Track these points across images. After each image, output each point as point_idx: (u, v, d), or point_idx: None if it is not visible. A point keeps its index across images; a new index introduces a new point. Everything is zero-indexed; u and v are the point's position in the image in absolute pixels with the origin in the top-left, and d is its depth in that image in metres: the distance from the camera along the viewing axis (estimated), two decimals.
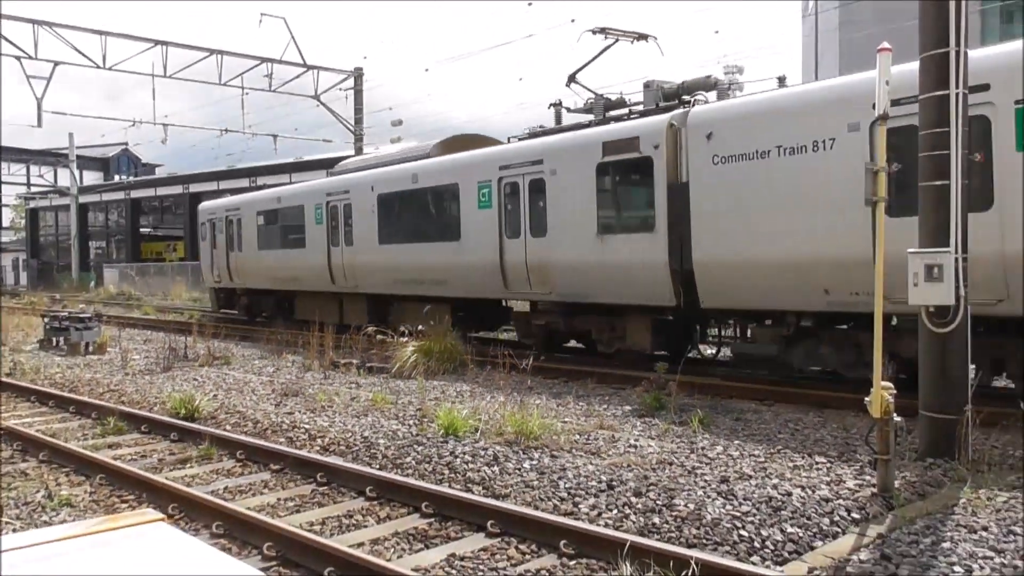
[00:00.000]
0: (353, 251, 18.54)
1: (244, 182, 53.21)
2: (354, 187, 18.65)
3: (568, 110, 15.33)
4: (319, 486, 7.45)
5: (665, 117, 12.05)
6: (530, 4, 26.69)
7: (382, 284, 17.81)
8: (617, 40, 14.75)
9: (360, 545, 5.88)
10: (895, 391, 6.31)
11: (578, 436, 8.49)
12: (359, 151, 29.96)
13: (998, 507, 5.85)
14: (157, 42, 25.64)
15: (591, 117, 14.43)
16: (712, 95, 12.90)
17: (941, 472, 6.75)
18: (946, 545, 5.19)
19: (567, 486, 6.83)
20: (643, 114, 13.17)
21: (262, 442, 8.85)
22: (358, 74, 29.65)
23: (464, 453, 7.93)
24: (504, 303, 16.47)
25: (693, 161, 11.45)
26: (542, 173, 13.81)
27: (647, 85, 13.52)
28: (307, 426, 9.53)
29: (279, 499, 7.14)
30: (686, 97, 12.90)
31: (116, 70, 26.07)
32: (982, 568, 4.84)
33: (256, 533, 6.00)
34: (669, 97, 13.15)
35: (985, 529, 5.44)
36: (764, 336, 11.45)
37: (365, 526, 6.40)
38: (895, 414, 6.24)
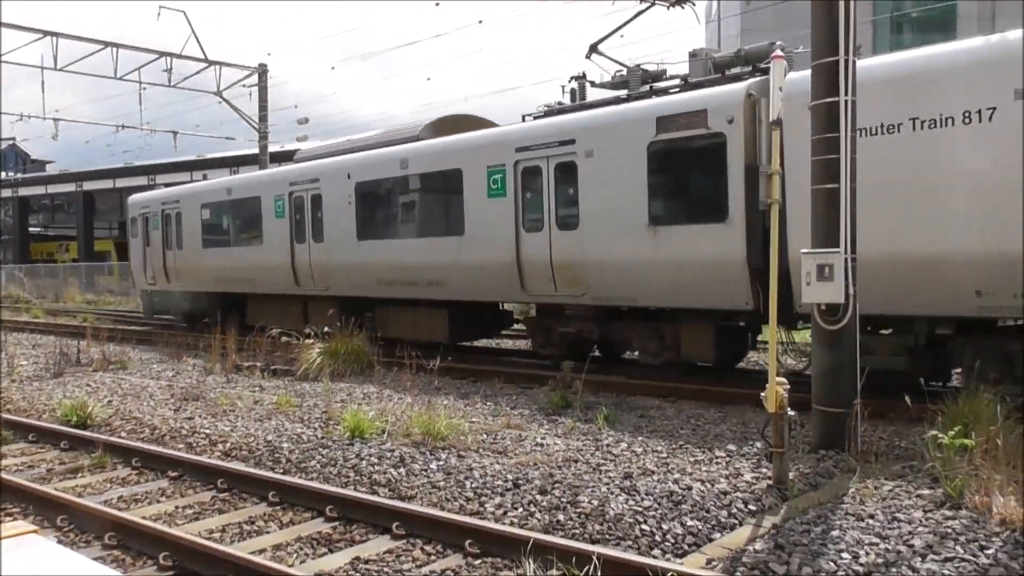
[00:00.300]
0: (324, 248, 16.25)
1: (142, 180, 51.56)
2: (325, 175, 16.28)
3: (593, 84, 13.50)
4: (219, 492, 7.26)
5: (741, 86, 10.24)
6: (437, 4, 26.60)
7: (361, 286, 15.51)
8: (653, 4, 13.24)
9: (261, 551, 5.75)
10: (789, 386, 6.53)
11: (485, 436, 8.51)
12: (263, 149, 29.32)
13: (884, 496, 6.12)
14: (46, 33, 24.48)
15: (621, 93, 12.67)
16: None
17: (832, 464, 7.02)
18: (835, 533, 5.40)
19: (473, 486, 6.84)
20: (696, 85, 11.39)
21: (159, 449, 8.56)
22: (262, 70, 28.98)
23: (370, 455, 7.85)
24: (502, 306, 15.04)
25: (792, 137, 9.23)
26: (573, 155, 11.91)
27: (693, 54, 12.02)
28: (208, 431, 9.28)
29: (177, 507, 6.93)
30: (761, 64, 10.88)
31: (2, 61, 24.80)
32: (868, 554, 5.06)
33: (152, 543, 5.81)
34: (722, 67, 11.51)
35: (872, 517, 5.68)
36: (887, 347, 9.45)
37: (267, 532, 6.27)
38: (789, 408, 6.47)
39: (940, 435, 6.42)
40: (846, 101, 7.14)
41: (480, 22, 58.05)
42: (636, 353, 12.94)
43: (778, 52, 6.67)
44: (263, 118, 29.26)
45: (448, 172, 13.83)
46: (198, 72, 27.71)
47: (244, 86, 28.99)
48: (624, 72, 12.94)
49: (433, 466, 7.43)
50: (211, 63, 27.46)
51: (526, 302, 13.10)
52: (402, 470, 7.39)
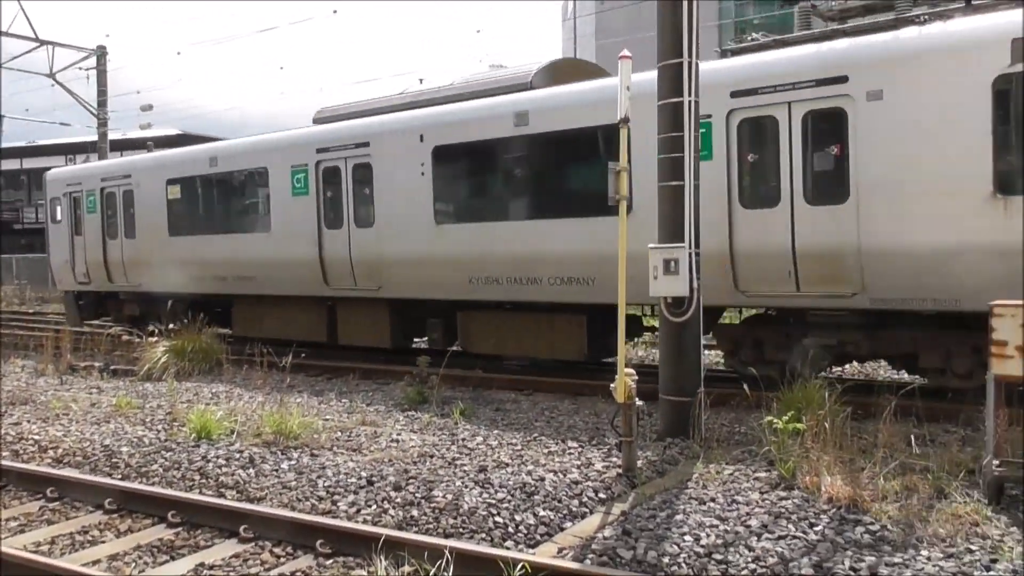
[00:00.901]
0: (375, 236, 12.54)
1: None
2: (380, 137, 12.43)
3: (814, 6, 9.98)
4: (49, 502, 6.81)
5: None
6: None
7: (437, 285, 12.00)
8: None
9: (96, 562, 5.44)
10: (637, 377, 6.74)
11: (340, 433, 8.36)
12: (103, 136, 27.70)
13: (725, 479, 6.42)
14: None
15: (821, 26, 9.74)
16: None
17: (678, 451, 7.30)
18: (679, 517, 5.62)
19: (326, 484, 6.70)
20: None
21: None
22: (101, 52, 27.33)
23: (217, 457, 7.55)
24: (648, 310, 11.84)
25: None
26: (843, 99, 8.59)
27: None
28: (36, 437, 8.68)
29: None
30: None
31: None
32: (709, 536, 5.29)
33: None
34: None
35: (713, 500, 5.95)
36: None
37: (103, 541, 5.93)
38: (637, 399, 6.67)
39: (775, 420, 6.79)
40: (690, 102, 7.41)
41: (335, 12, 56.78)
42: (905, 371, 9.72)
43: (625, 53, 6.81)
44: (102, 103, 27.66)
45: (600, 130, 10.24)
46: (28, 52, 25.88)
47: (81, 68, 27.31)
48: None
49: (284, 466, 7.23)
50: (43, 43, 25.71)
51: (740, 306, 10.18)
52: (251, 471, 7.15)
